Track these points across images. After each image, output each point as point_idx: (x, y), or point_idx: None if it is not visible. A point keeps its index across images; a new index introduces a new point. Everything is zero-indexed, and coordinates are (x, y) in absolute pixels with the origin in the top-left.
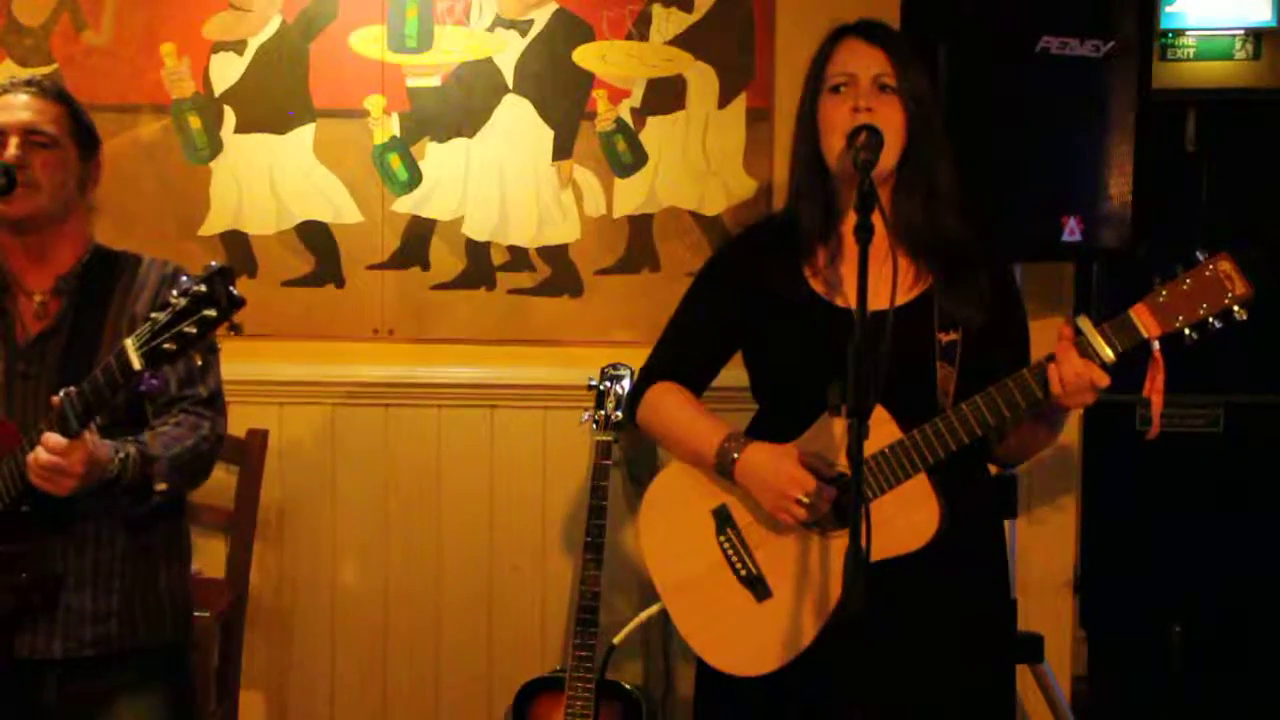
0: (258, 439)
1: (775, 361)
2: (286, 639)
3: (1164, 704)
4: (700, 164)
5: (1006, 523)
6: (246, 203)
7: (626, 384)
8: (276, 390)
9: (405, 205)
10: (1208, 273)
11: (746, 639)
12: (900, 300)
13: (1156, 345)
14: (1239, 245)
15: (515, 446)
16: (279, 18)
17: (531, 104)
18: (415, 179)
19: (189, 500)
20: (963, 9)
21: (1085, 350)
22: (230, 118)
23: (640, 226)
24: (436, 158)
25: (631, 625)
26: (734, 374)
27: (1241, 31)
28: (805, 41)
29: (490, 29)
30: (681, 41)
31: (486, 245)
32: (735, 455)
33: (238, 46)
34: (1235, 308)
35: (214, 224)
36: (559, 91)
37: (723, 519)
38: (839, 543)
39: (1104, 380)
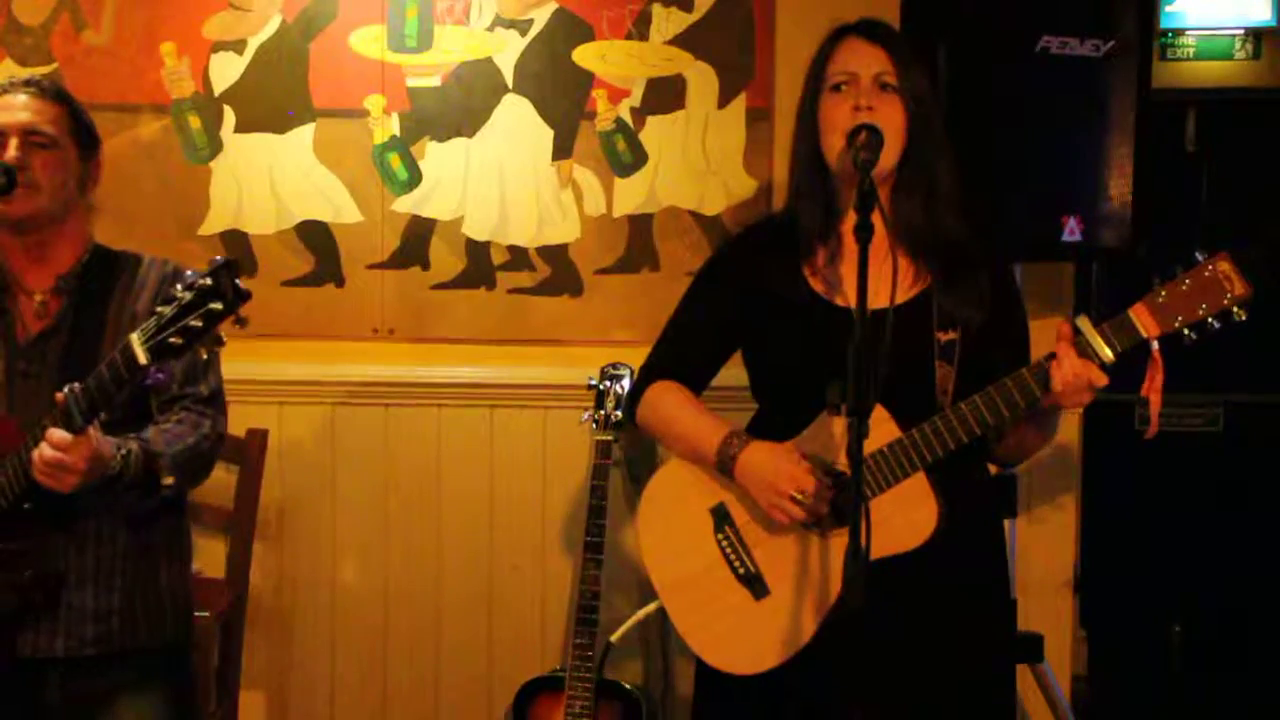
0: (258, 439)
1: (775, 361)
2: (286, 639)
3: (1164, 704)
4: (700, 164)
5: (1006, 522)
6: (246, 202)
7: (626, 384)
8: (276, 390)
9: (405, 205)
10: (1207, 273)
11: (744, 637)
12: (899, 299)
13: (1155, 345)
14: (1238, 245)
15: (515, 446)
16: (279, 17)
17: (531, 104)
18: (415, 179)
19: (189, 500)
20: (963, 9)
21: (1084, 350)
22: (230, 117)
23: (640, 226)
24: (436, 157)
25: (629, 623)
26: (734, 374)
27: (1241, 31)
28: (805, 41)
29: (490, 29)
30: (681, 41)
31: (486, 245)
32: (736, 452)
33: (237, 46)
34: (1234, 308)
35: (214, 224)
36: (559, 91)
37: (721, 517)
38: (837, 541)
39: (1102, 380)
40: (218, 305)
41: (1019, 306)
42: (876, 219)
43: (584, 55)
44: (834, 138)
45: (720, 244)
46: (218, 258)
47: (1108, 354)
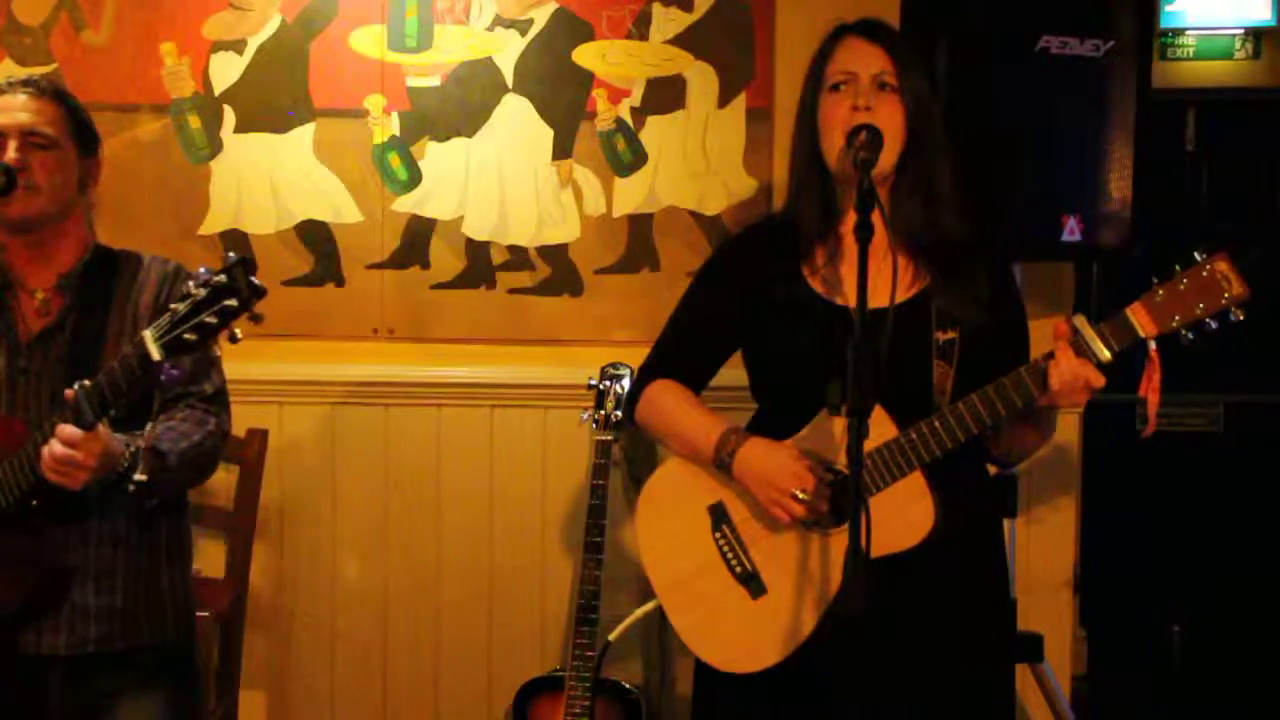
0: (257, 439)
1: (774, 361)
2: (286, 639)
3: (1164, 704)
4: (700, 163)
5: (1006, 522)
6: (246, 202)
7: (626, 383)
8: (276, 390)
9: (405, 205)
10: (1205, 273)
11: (742, 636)
12: (898, 299)
13: (1153, 345)
14: (1237, 245)
15: (515, 446)
16: (279, 17)
17: (531, 103)
18: (415, 178)
19: (189, 500)
20: (963, 9)
21: (1082, 349)
22: (230, 117)
23: (640, 226)
24: (436, 157)
25: (627, 622)
26: (734, 374)
27: (1241, 31)
28: (805, 41)
29: (490, 28)
30: (681, 41)
31: (486, 245)
32: (733, 449)
33: (237, 46)
34: (1232, 309)
35: (214, 223)
36: (559, 91)
37: (718, 516)
38: (834, 540)
39: (1099, 380)
40: (233, 302)
41: (1018, 306)
42: (876, 219)
43: (584, 55)
44: (833, 137)
45: (720, 243)
46: (231, 254)
47: (1105, 353)
